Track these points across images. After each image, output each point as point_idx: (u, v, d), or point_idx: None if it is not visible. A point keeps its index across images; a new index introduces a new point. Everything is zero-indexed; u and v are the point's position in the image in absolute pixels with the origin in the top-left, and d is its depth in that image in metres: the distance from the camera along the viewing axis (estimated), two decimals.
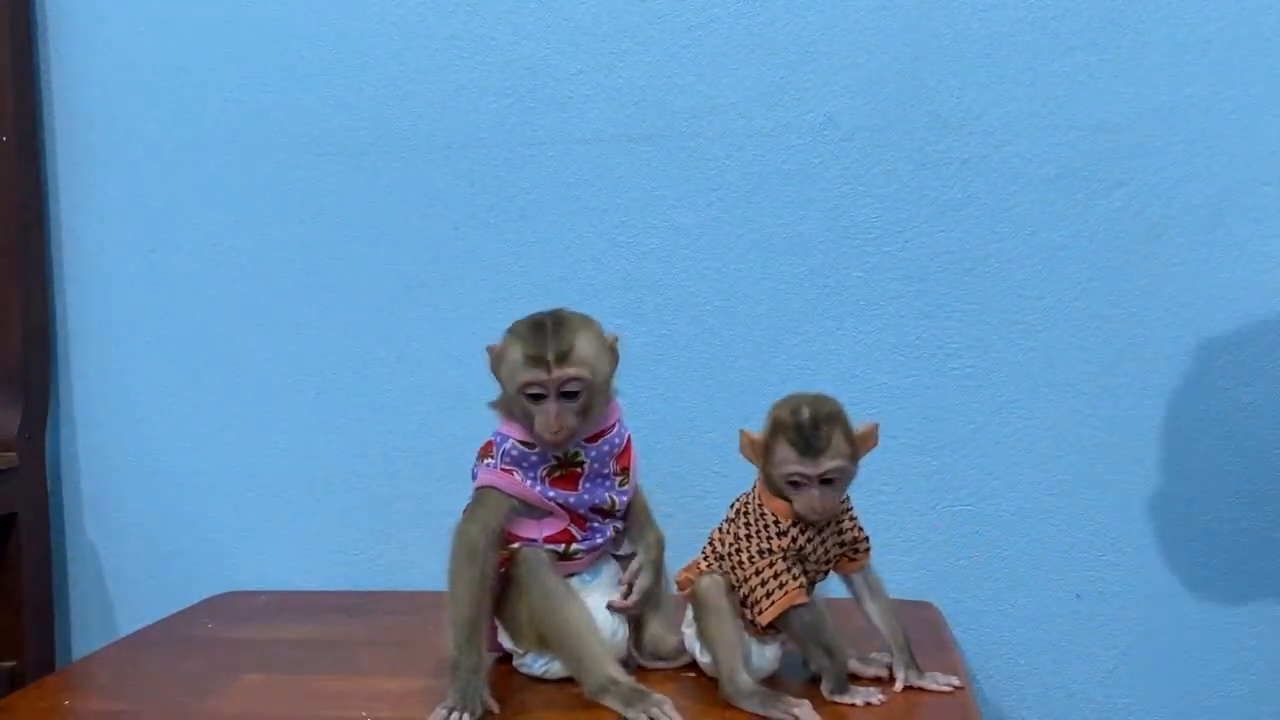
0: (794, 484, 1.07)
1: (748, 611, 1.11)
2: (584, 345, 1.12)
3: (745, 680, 1.08)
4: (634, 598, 1.18)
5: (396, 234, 1.58)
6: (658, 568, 1.21)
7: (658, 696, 1.06)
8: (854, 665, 1.15)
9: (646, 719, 1.04)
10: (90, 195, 1.66)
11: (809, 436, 1.06)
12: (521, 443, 1.15)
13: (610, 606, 1.17)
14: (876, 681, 1.14)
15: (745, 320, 1.51)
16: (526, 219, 1.55)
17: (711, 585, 1.12)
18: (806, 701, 1.04)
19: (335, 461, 1.63)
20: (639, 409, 1.49)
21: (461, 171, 1.56)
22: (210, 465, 1.66)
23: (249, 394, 1.64)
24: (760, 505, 1.11)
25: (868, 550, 1.15)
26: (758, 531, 1.10)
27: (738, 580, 1.11)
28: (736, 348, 1.52)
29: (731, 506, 1.16)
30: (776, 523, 1.09)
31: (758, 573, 1.09)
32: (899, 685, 1.11)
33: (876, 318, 1.49)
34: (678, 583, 1.18)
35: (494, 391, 1.55)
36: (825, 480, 1.07)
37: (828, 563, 1.13)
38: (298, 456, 1.64)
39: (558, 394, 1.10)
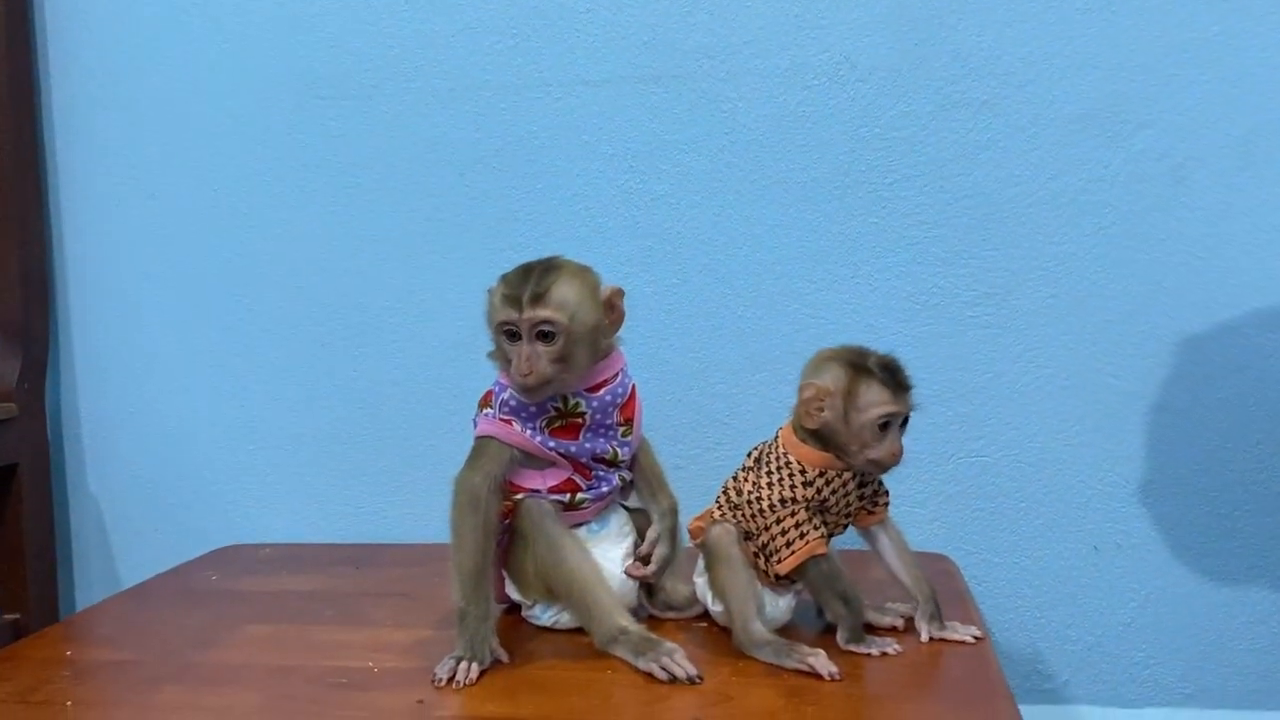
0: (883, 426, 1.05)
1: (764, 561, 1.08)
2: (565, 290, 1.09)
3: (759, 629, 1.06)
4: (653, 567, 1.17)
5: (401, 180, 1.55)
6: (674, 535, 1.18)
7: (669, 645, 1.04)
8: (870, 615, 1.13)
9: (658, 668, 1.02)
10: (88, 141, 1.62)
11: (900, 376, 1.05)
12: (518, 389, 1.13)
13: (628, 573, 1.16)
14: (893, 631, 1.12)
15: (757, 268, 1.48)
16: (533, 164, 1.51)
17: (723, 534, 1.10)
18: (821, 651, 1.02)
19: (341, 413, 1.60)
20: (648, 359, 1.47)
21: (467, 115, 1.52)
22: (214, 417, 1.64)
23: (252, 344, 1.61)
24: (785, 454, 1.09)
25: (887, 503, 1.13)
26: (780, 480, 1.08)
27: (756, 529, 1.08)
28: (748, 296, 1.49)
29: (750, 455, 1.13)
30: (803, 471, 1.07)
31: (779, 521, 1.06)
32: (924, 637, 1.09)
33: (893, 265, 1.45)
34: (690, 531, 1.15)
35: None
36: (903, 424, 1.06)
37: (848, 515, 1.11)
38: (302, 408, 1.61)
39: (531, 335, 1.08)
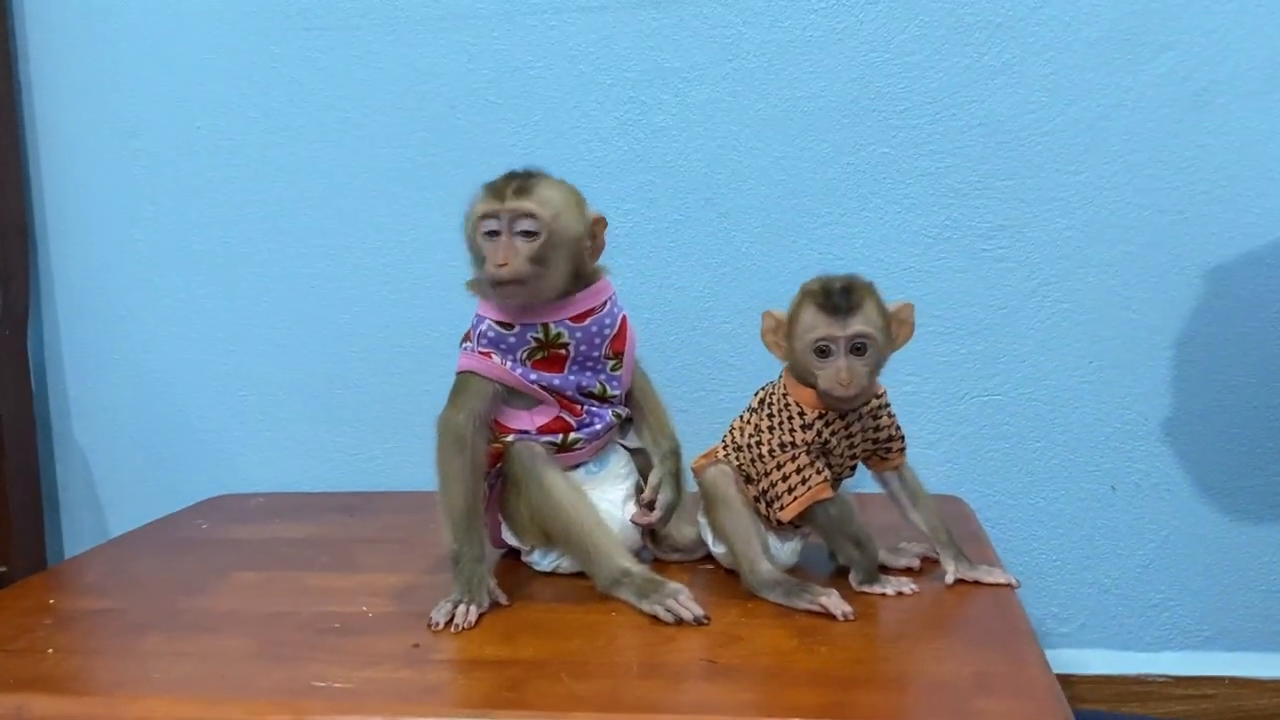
0: (821, 352, 0.99)
1: (765, 507, 1.04)
2: (550, 191, 1.06)
3: (767, 569, 1.02)
4: (658, 513, 1.12)
5: (390, 114, 1.48)
6: (678, 479, 1.14)
7: (673, 586, 1.01)
8: (883, 556, 1.08)
9: (663, 610, 0.98)
10: (65, 80, 1.56)
11: (837, 298, 0.98)
12: (498, 323, 1.08)
13: (633, 521, 1.11)
14: (908, 572, 1.08)
15: (763, 202, 1.42)
16: (528, 96, 1.45)
17: (719, 476, 1.06)
18: (834, 590, 0.98)
19: (332, 358, 1.55)
20: (649, 299, 1.42)
21: (458, 45, 1.46)
22: (201, 364, 1.58)
23: (241, 288, 1.56)
24: (785, 395, 1.04)
25: (902, 449, 1.08)
26: (780, 424, 1.03)
27: (757, 474, 1.04)
28: (753, 232, 1.43)
29: (755, 395, 1.09)
30: (801, 414, 1.02)
31: (779, 467, 1.02)
32: (950, 579, 1.04)
33: (904, 197, 1.40)
34: (693, 469, 1.11)
35: None
36: (855, 349, 0.98)
37: (854, 458, 1.06)
38: (293, 353, 1.56)
39: (511, 229, 1.04)
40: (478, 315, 1.11)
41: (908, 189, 1.40)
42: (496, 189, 1.05)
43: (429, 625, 0.98)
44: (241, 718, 0.83)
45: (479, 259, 1.07)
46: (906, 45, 1.37)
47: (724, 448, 1.08)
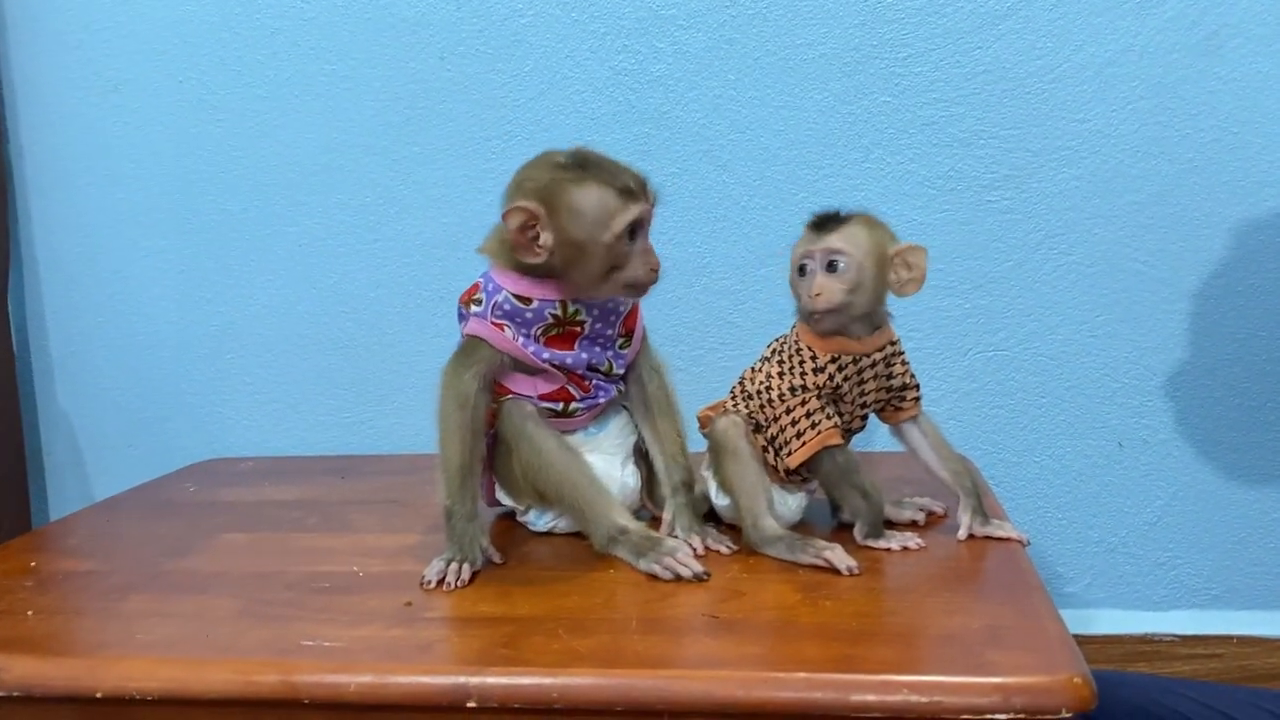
0: (801, 270, 0.98)
1: (773, 455, 1.01)
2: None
3: (770, 524, 0.99)
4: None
5: (378, 66, 1.44)
6: (690, 511, 1.06)
7: (671, 543, 0.98)
8: (889, 511, 1.05)
9: (660, 568, 0.95)
10: (43, 31, 1.51)
11: (823, 217, 0.98)
12: (516, 297, 1.03)
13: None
14: (913, 527, 1.05)
15: (762, 154, 1.39)
16: (519, 45, 1.41)
17: (729, 426, 1.02)
18: (838, 545, 0.95)
19: (321, 319, 1.52)
20: None
21: None
22: (188, 326, 1.55)
23: (226, 248, 1.52)
24: (797, 341, 1.01)
25: (917, 399, 1.04)
26: (792, 369, 1.00)
27: (766, 420, 1.01)
28: (752, 185, 1.40)
29: (768, 346, 1.06)
30: (814, 357, 0.99)
31: (788, 411, 0.99)
32: (963, 533, 1.01)
33: (906, 147, 1.36)
34: (699, 419, 1.08)
35: (485, 235, 1.44)
36: (829, 266, 0.96)
37: (865, 407, 1.03)
38: (281, 314, 1.52)
39: None
40: (493, 283, 1.05)
41: (910, 139, 1.36)
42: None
43: (421, 583, 0.95)
44: (227, 677, 0.80)
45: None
46: None
47: (733, 398, 1.05)
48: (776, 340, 1.05)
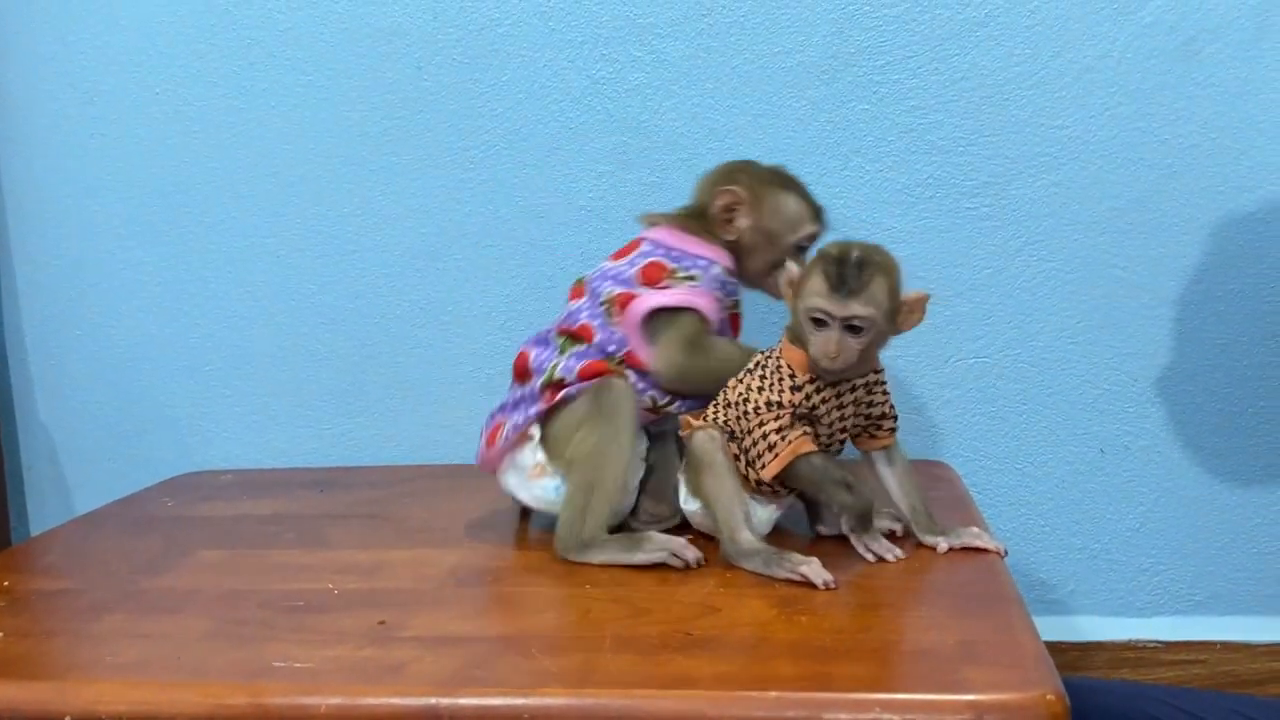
0: (816, 321, 0.95)
1: (745, 466, 1.01)
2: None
3: (747, 538, 0.99)
4: None
5: (355, 76, 1.43)
6: None
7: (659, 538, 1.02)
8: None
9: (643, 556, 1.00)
10: (17, 43, 1.50)
11: (845, 273, 0.94)
12: (729, 270, 1.12)
13: None
14: (890, 536, 1.04)
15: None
16: (497, 55, 1.40)
17: (706, 440, 1.02)
18: (814, 559, 0.95)
19: (301, 330, 1.51)
20: None
21: (422, 3, 1.40)
22: (167, 337, 1.54)
23: (205, 258, 1.51)
24: (779, 356, 1.01)
25: (893, 429, 1.04)
26: (771, 384, 1.00)
27: (741, 432, 1.01)
28: None
29: (755, 357, 1.05)
30: (792, 375, 0.99)
31: (761, 424, 0.99)
32: (942, 549, 1.01)
33: (885, 154, 1.36)
34: (681, 423, 1.07)
35: (469, 246, 1.44)
36: (850, 327, 0.95)
37: (844, 432, 1.02)
38: (260, 326, 1.51)
39: None
40: (703, 258, 1.10)
41: (889, 146, 1.35)
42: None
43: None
44: (197, 699, 0.79)
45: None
46: None
47: (714, 407, 1.05)
48: (763, 353, 1.04)
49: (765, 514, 1.04)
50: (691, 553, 0.99)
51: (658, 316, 1.07)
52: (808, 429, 0.99)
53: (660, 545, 1.00)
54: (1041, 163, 1.33)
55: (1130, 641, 1.40)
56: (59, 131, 1.51)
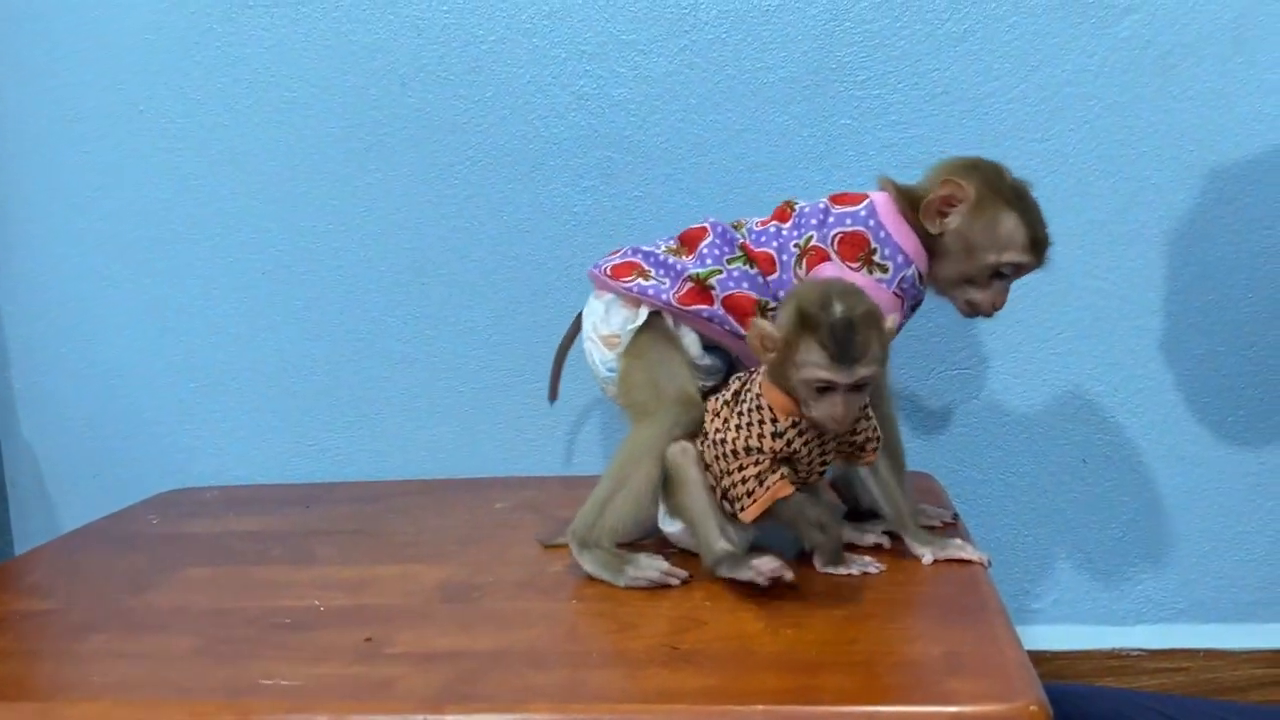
0: (820, 390, 0.92)
1: (722, 499, 1.00)
2: None
3: (720, 546, 0.98)
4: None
5: (339, 92, 1.44)
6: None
7: (647, 561, 1.01)
8: (849, 535, 1.06)
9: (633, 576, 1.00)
10: (2, 65, 1.50)
11: (843, 340, 0.90)
12: (921, 276, 1.06)
13: None
14: (876, 549, 1.05)
15: (724, 176, 1.39)
16: (481, 71, 1.41)
17: (679, 454, 1.01)
18: (768, 556, 0.94)
19: (285, 346, 1.51)
20: None
21: (407, 20, 1.41)
22: (151, 354, 1.54)
23: (188, 275, 1.51)
24: (759, 395, 0.98)
25: (875, 449, 1.02)
26: (750, 424, 0.97)
27: (718, 472, 1.00)
28: (714, 207, 1.37)
29: (736, 379, 1.03)
30: (774, 420, 0.96)
31: (740, 469, 0.97)
32: (927, 561, 1.01)
33: (867, 169, 1.37)
34: None
35: (454, 261, 1.45)
36: (855, 387, 0.92)
37: (825, 463, 1.01)
38: (245, 342, 1.51)
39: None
40: (901, 254, 1.04)
41: (871, 160, 1.36)
42: None
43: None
44: (183, 719, 0.80)
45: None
46: (866, 13, 1.34)
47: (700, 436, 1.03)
48: (740, 378, 1.02)
49: (741, 538, 1.02)
50: (675, 579, 0.99)
51: None
52: (785, 470, 0.98)
53: (646, 568, 0.99)
54: (1021, 176, 1.33)
55: (1113, 650, 1.40)
56: (43, 148, 1.51)
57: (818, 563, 1.00)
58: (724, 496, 1.00)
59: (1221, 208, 1.32)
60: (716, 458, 0.99)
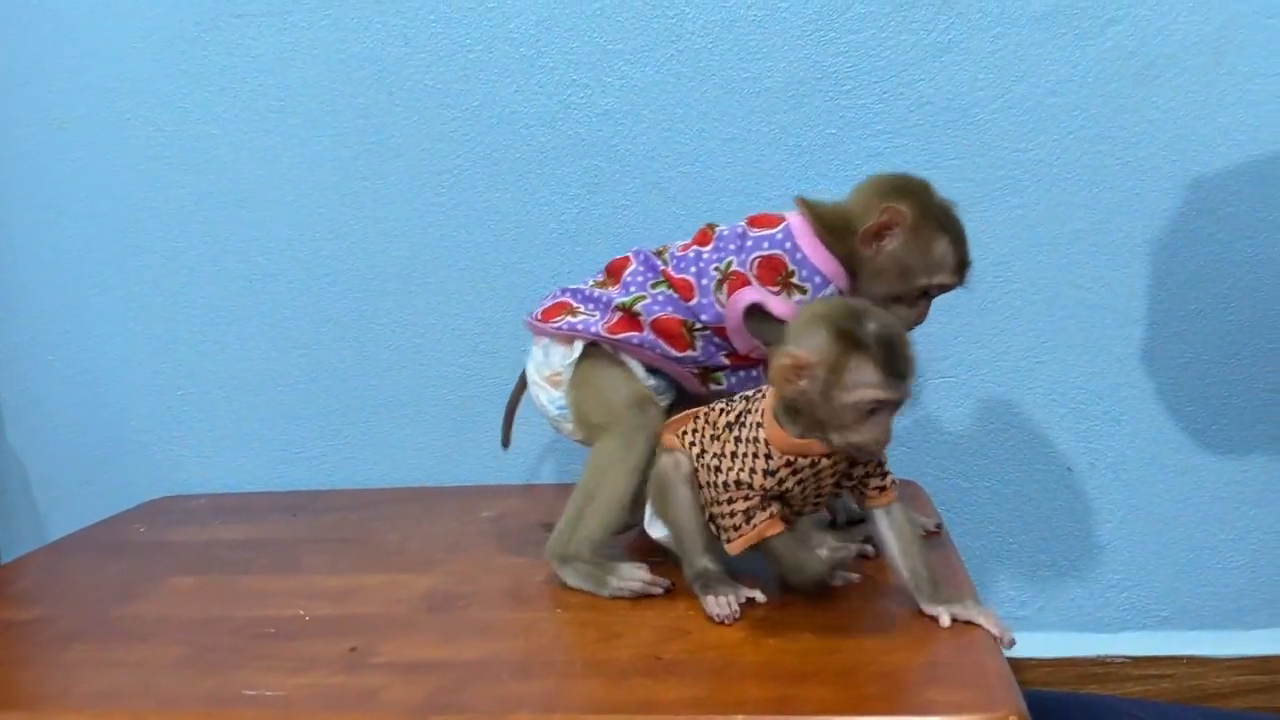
0: (870, 412, 0.87)
1: (715, 528, 0.97)
2: None
3: (700, 563, 0.97)
4: None
5: (326, 101, 1.44)
6: None
7: (629, 571, 1.02)
8: (831, 545, 1.02)
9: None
10: None
11: (895, 355, 0.86)
12: (841, 294, 1.07)
13: None
14: (863, 557, 1.05)
15: (710, 186, 1.39)
16: (467, 79, 1.41)
17: (671, 468, 0.98)
18: (734, 593, 0.95)
19: (273, 354, 1.51)
20: None
21: (394, 29, 1.41)
22: (139, 362, 1.54)
23: (175, 283, 1.51)
24: (758, 426, 0.93)
25: (882, 488, 0.95)
26: (744, 456, 0.93)
27: (710, 497, 0.96)
28: (701, 216, 1.36)
29: (740, 399, 0.98)
30: (768, 456, 0.91)
31: (730, 501, 0.93)
32: (945, 623, 0.90)
33: (852, 178, 1.33)
34: (658, 435, 1.03)
35: (440, 270, 1.45)
36: (899, 405, 0.89)
37: (819, 497, 0.96)
38: (233, 349, 1.52)
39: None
40: (812, 264, 1.04)
41: (856, 170, 1.36)
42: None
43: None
44: None
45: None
46: (851, 23, 1.34)
47: (694, 430, 1.00)
48: (745, 400, 0.97)
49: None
50: (659, 589, 0.99)
51: (756, 313, 1.04)
52: (774, 508, 0.93)
53: (629, 578, 1.00)
54: (1006, 185, 1.35)
55: (1098, 657, 1.41)
56: (30, 156, 1.51)
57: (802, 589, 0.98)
58: (713, 521, 0.97)
59: (1204, 217, 1.33)
60: (709, 483, 0.96)
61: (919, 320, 1.08)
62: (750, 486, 0.92)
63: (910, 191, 1.06)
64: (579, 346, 1.09)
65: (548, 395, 1.11)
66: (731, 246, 1.08)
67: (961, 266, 1.06)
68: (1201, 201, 1.33)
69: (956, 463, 1.41)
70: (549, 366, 1.11)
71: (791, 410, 0.90)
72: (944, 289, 1.07)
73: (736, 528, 0.94)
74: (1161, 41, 1.31)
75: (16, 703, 0.87)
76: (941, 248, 1.05)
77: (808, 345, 0.88)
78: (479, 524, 1.28)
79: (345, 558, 1.18)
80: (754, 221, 1.09)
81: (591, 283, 1.13)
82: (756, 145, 1.38)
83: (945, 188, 1.34)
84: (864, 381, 0.86)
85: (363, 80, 1.43)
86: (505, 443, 1.24)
